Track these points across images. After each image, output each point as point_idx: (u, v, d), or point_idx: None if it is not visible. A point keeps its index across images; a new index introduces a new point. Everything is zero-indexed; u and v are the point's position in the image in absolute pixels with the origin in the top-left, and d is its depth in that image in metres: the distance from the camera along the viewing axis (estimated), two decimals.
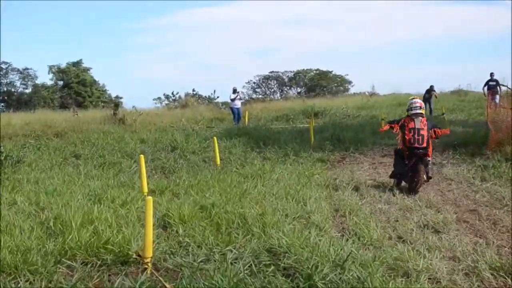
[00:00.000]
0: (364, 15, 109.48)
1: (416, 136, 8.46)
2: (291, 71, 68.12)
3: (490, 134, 11.56)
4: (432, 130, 8.71)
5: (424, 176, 8.38)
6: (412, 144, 8.45)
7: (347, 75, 67.21)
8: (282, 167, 10.40)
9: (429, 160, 8.61)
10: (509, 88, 16.98)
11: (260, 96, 62.52)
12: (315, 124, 17.57)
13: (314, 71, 67.27)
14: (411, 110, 8.67)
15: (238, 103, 22.45)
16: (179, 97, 40.80)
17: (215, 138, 11.08)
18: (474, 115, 21.69)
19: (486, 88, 20.76)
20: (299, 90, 66.16)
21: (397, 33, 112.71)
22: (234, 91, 22.36)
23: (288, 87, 67.89)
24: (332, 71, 66.58)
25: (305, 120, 22.35)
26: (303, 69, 67.76)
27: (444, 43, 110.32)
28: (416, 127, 8.50)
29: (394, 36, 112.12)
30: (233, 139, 13.98)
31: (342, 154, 12.49)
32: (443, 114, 20.41)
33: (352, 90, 62.72)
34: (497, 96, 18.51)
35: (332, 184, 8.78)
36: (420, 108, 8.65)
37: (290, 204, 7.06)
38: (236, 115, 22.02)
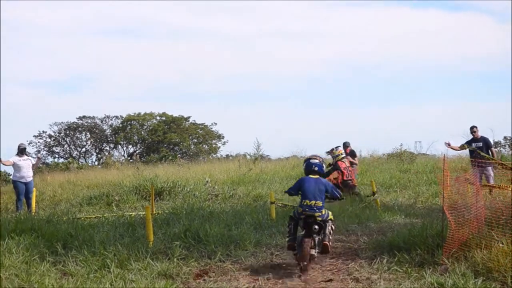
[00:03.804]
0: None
1: (347, 172, 12.76)
2: (117, 117, 43.30)
3: (448, 229, 7.11)
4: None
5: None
6: (348, 177, 12.70)
7: (215, 124, 44.50)
8: None
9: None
10: (493, 160, 11.85)
11: (62, 160, 37.73)
12: (158, 212, 11.95)
13: (158, 117, 44.19)
14: (341, 154, 13.11)
15: (28, 172, 13.53)
16: None
17: None
18: (425, 195, 14.60)
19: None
20: (131, 150, 43.10)
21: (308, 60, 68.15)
22: (22, 150, 13.57)
23: (111, 145, 43.53)
24: (189, 118, 44.32)
25: (140, 204, 14.49)
26: (139, 114, 43.53)
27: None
28: (347, 165, 13.02)
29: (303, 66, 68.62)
30: (8, 240, 8.41)
31: (203, 263, 7.65)
32: (373, 194, 13.09)
33: (224, 151, 42.34)
34: (490, 170, 12.29)
35: None
36: (343, 154, 13.32)
37: None
38: (23, 192, 13.28)
